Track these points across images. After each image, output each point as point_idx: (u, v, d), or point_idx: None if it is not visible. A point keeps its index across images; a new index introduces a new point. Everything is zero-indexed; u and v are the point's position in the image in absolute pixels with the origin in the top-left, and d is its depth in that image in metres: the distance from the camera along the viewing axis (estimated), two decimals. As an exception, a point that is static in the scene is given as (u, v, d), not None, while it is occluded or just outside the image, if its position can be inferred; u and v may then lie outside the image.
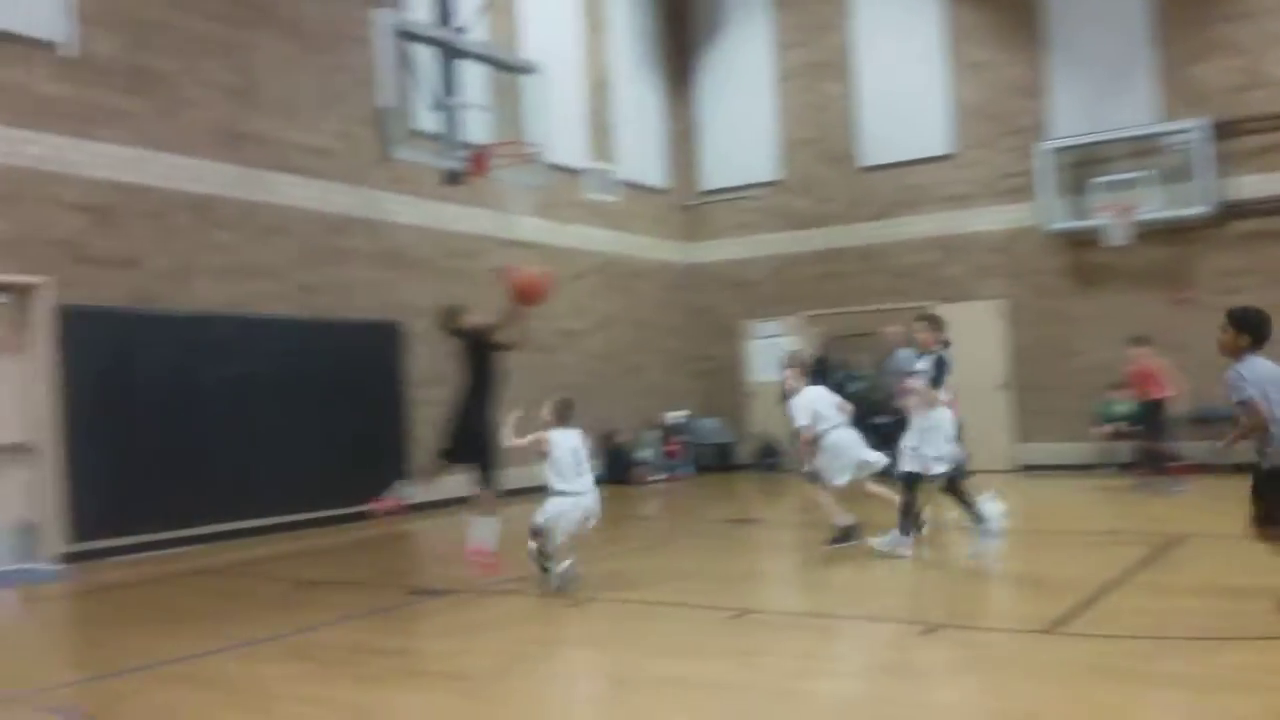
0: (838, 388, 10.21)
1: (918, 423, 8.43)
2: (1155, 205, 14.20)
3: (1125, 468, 13.31)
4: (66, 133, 10.19)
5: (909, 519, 8.31)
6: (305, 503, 11.71)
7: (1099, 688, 4.90)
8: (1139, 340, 12.35)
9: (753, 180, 17.82)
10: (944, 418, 8.47)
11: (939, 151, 16.26)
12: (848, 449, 8.76)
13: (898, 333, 13.09)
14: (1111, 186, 14.54)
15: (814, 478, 9.00)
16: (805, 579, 8.63)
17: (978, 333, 15.73)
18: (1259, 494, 5.78)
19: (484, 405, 8.31)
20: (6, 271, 9.73)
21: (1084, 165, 15.00)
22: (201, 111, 11.35)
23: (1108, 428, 13.91)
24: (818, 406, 8.86)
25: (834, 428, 8.80)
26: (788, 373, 9.28)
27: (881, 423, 11.62)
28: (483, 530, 8.09)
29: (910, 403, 8.57)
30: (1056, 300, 15.45)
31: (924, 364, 8.55)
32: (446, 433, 8.49)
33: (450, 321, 8.63)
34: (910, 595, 7.33)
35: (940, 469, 8.37)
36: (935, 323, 8.70)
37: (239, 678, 5.71)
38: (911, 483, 8.36)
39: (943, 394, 8.45)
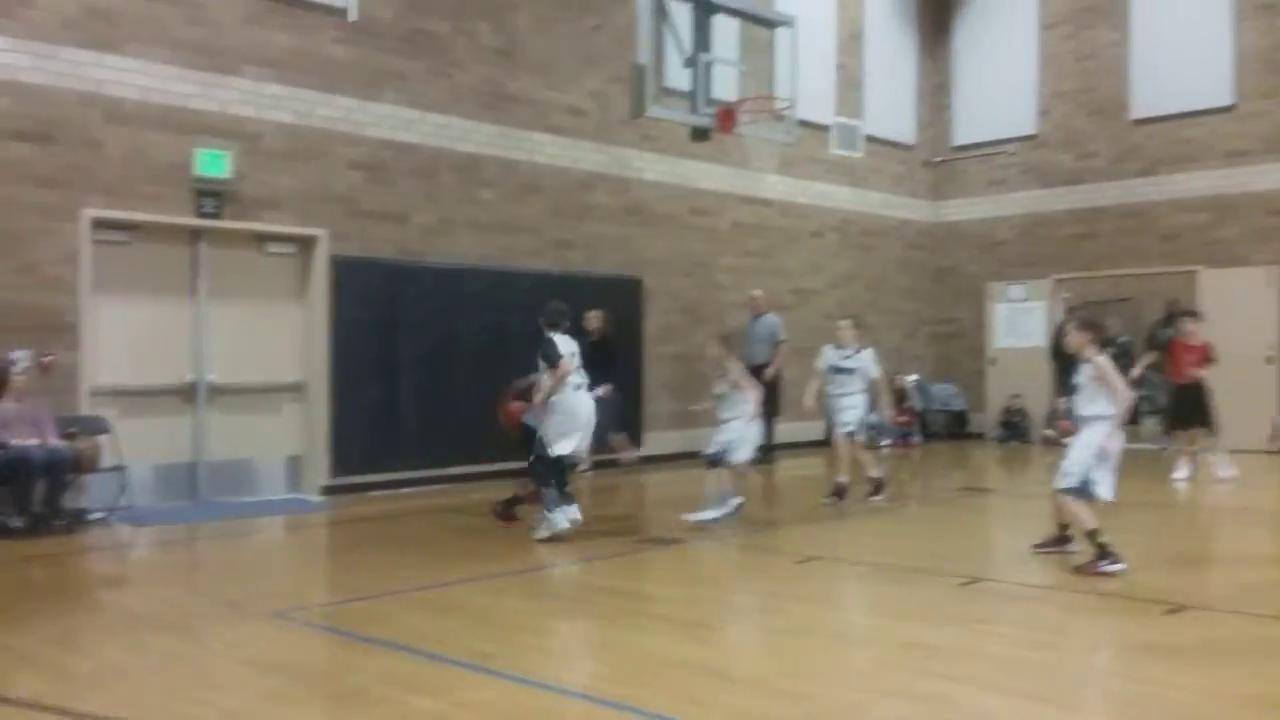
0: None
1: None
2: None
3: None
4: (351, 94, 10.97)
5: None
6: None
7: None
8: None
9: (1008, 135, 17.09)
10: None
11: (1218, 103, 15.05)
12: None
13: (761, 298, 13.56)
14: None
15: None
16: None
17: (1247, 301, 14.58)
18: None
19: None
20: (293, 224, 10.63)
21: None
22: (468, 73, 11.94)
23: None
24: None
25: None
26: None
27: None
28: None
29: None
30: (1346, 267, 14.07)
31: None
32: None
33: None
34: (1154, 573, 6.97)
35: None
36: None
37: (480, 608, 6.11)
38: None
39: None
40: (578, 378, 8.31)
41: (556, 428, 8.17)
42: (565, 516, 8.06)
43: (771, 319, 13.36)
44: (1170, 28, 15.40)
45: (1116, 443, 6.79)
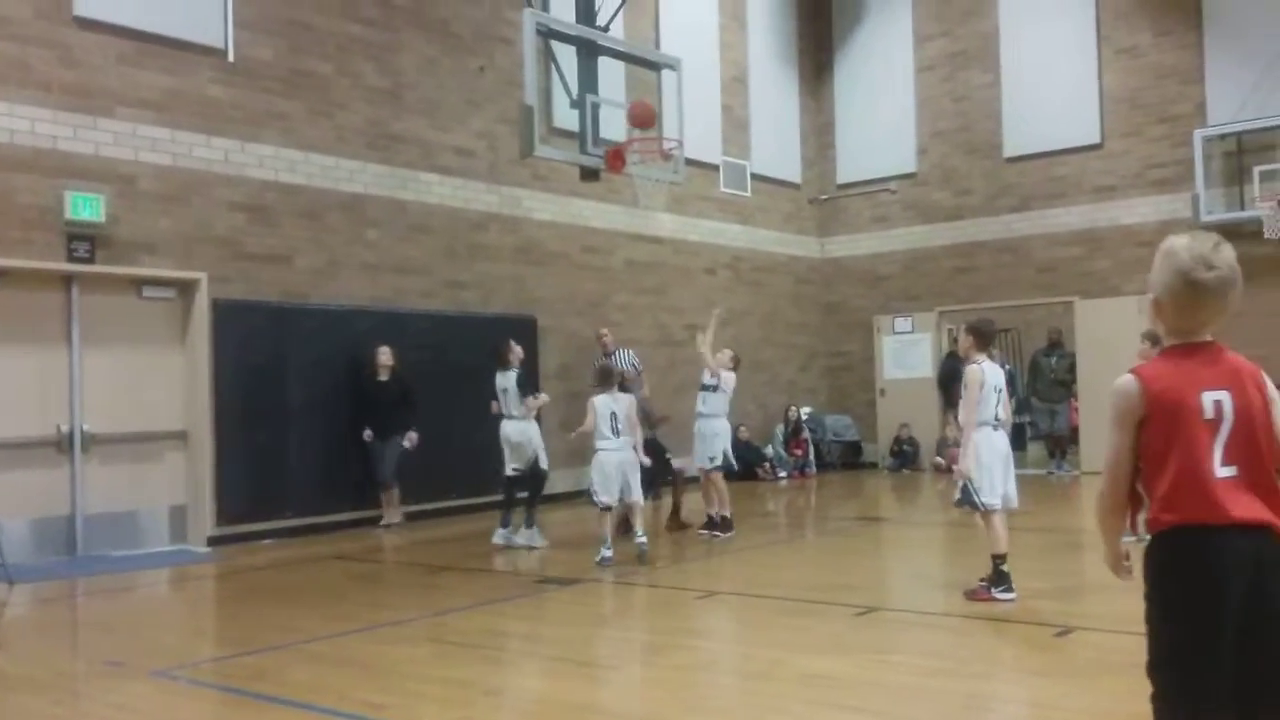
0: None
1: None
2: (1321, 196, 13.53)
3: None
4: (231, 135, 10.73)
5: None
6: (443, 491, 12.07)
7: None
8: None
9: (889, 173, 17.58)
10: None
11: (1086, 141, 15.76)
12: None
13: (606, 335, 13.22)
14: (1274, 175, 13.87)
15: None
16: (934, 577, 8.50)
17: (1121, 329, 15.15)
18: None
19: None
20: (171, 268, 10.31)
21: (1244, 154, 14.36)
22: (352, 113, 11.80)
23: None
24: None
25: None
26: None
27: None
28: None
29: None
30: (1210, 296, 14.75)
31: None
32: None
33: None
34: (1044, 598, 7.15)
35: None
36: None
37: (374, 658, 5.94)
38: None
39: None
40: (505, 417, 10.03)
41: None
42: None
43: (626, 354, 13.27)
44: (1039, 71, 16.09)
45: (995, 445, 6.92)
